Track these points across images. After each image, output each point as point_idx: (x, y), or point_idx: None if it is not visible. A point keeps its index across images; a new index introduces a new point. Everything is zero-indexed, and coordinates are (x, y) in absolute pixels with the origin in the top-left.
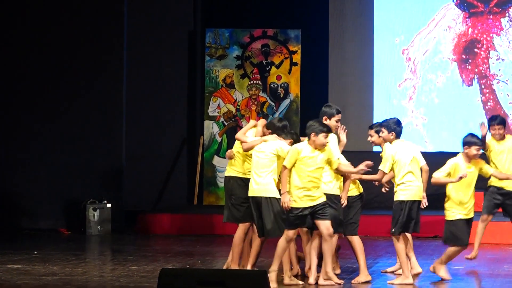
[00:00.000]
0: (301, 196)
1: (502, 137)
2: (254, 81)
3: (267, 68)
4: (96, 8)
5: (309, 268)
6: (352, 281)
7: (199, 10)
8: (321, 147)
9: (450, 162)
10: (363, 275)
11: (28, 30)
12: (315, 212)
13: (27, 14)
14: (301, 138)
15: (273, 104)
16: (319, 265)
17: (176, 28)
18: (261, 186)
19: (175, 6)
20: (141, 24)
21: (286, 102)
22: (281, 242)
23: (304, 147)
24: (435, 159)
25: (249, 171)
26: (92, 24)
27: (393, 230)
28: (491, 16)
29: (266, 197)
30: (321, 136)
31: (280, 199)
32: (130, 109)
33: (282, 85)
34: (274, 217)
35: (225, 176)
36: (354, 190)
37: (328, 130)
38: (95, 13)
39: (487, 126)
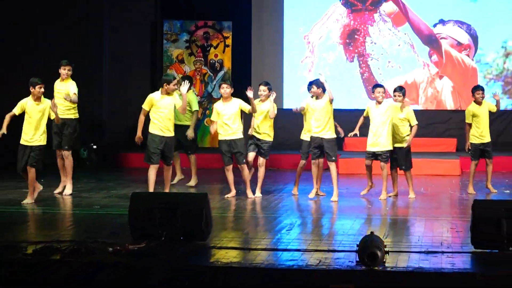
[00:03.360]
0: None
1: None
2: (198, 58)
3: (208, 49)
4: (80, 7)
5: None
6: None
7: (159, 6)
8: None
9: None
10: (233, 192)
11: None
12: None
13: None
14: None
15: (211, 74)
16: None
17: (142, 20)
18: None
19: (141, 3)
20: (117, 17)
21: (221, 73)
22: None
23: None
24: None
25: None
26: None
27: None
28: (367, 12)
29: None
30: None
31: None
32: (111, 79)
33: (218, 61)
34: None
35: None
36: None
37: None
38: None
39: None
